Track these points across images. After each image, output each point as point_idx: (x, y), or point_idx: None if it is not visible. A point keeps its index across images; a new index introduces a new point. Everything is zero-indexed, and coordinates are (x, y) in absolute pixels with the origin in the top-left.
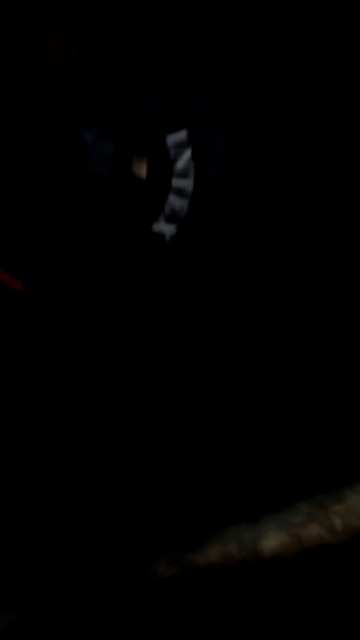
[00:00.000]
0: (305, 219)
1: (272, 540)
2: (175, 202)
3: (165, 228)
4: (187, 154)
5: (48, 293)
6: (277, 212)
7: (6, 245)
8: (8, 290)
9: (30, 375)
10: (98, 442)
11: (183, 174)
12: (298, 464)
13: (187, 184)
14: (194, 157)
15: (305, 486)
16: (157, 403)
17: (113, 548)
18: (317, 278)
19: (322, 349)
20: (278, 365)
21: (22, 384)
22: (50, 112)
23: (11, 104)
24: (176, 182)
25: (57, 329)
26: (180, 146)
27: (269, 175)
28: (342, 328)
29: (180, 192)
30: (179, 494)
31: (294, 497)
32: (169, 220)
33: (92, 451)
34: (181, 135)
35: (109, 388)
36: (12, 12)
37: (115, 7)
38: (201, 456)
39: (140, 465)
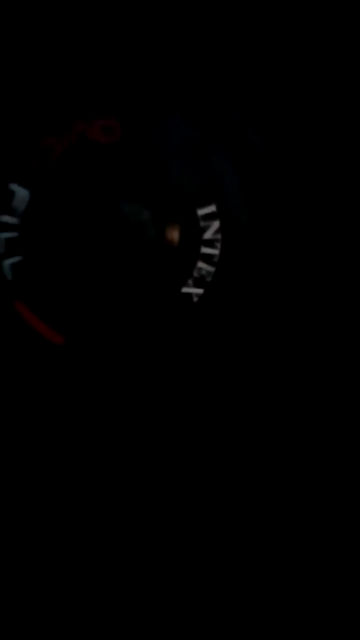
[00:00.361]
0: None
1: None
2: (203, 267)
3: (193, 290)
4: (215, 224)
5: (86, 347)
6: (302, 281)
7: (50, 303)
8: (49, 343)
9: (65, 422)
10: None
11: (211, 243)
12: None
13: (214, 251)
14: (221, 228)
15: None
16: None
17: None
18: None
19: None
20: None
21: (58, 431)
22: (96, 187)
23: (62, 179)
24: (205, 250)
25: (93, 381)
26: (209, 218)
27: (293, 245)
28: None
29: (208, 259)
30: None
31: None
32: (196, 283)
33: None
34: (210, 208)
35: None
36: (64, 97)
37: (154, 98)
38: None
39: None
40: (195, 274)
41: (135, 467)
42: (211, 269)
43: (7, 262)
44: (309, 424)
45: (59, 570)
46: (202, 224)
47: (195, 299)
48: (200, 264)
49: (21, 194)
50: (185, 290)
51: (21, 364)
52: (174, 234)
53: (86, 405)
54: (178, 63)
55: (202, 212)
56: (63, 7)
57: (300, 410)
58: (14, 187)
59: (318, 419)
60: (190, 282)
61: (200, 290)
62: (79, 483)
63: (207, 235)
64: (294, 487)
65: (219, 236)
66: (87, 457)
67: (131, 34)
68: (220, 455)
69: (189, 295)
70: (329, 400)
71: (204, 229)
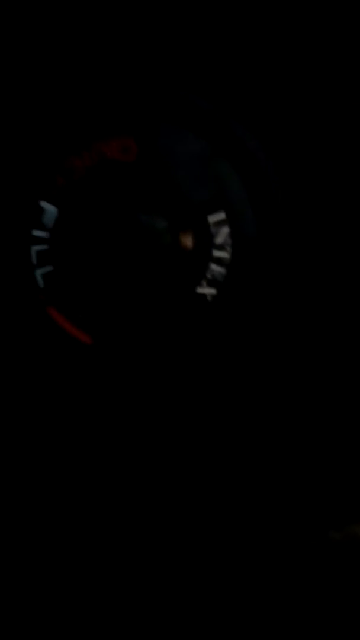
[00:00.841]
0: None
1: None
2: (215, 269)
3: (207, 290)
4: (225, 230)
5: (112, 344)
6: (308, 280)
7: (78, 306)
8: (79, 342)
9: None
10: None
11: (222, 247)
12: None
13: (225, 254)
14: (231, 232)
15: None
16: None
17: None
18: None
19: None
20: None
21: (88, 431)
22: (116, 201)
23: (86, 195)
24: (216, 253)
25: (118, 374)
26: (220, 224)
27: (299, 246)
28: None
29: (219, 261)
30: None
31: None
32: (210, 284)
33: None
34: (220, 215)
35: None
36: (84, 122)
37: (164, 118)
38: None
39: None
40: (209, 275)
41: (151, 463)
42: (223, 270)
43: (39, 271)
44: (316, 418)
45: (58, 570)
46: (213, 229)
47: (209, 299)
48: (213, 267)
49: (50, 210)
50: (200, 290)
51: (54, 361)
52: (188, 240)
53: (111, 395)
54: (184, 85)
55: (212, 219)
56: (83, 39)
57: (305, 403)
58: (44, 204)
59: (324, 413)
60: (204, 283)
61: (213, 290)
62: (104, 476)
63: (218, 240)
64: (298, 488)
65: (229, 240)
66: (108, 446)
67: (140, 63)
68: (232, 452)
69: (204, 295)
70: (333, 394)
71: (215, 234)
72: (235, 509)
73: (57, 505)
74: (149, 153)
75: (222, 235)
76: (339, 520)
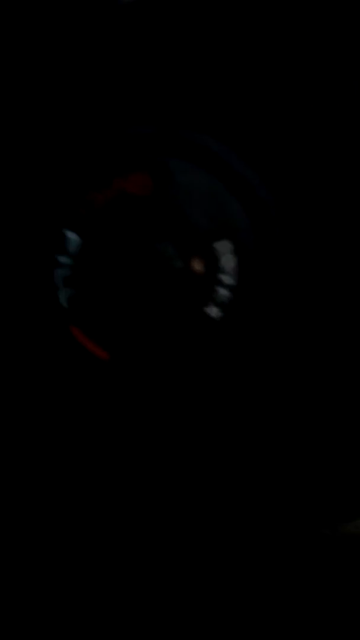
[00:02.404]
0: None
1: None
2: (222, 291)
3: (214, 311)
4: (230, 256)
5: (127, 360)
6: (312, 303)
7: (97, 325)
8: (97, 358)
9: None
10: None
11: (228, 271)
12: None
13: (230, 278)
14: (236, 258)
15: None
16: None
17: None
18: None
19: None
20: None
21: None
22: (134, 230)
23: (106, 225)
24: (223, 277)
25: (133, 387)
26: (225, 251)
27: (302, 271)
28: None
29: (226, 285)
30: None
31: None
32: (217, 305)
33: None
34: (225, 243)
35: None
36: (105, 161)
37: (176, 156)
38: None
39: None
40: (216, 298)
41: (156, 470)
42: (229, 293)
43: (63, 294)
44: (314, 422)
45: (59, 570)
46: (219, 255)
47: (216, 319)
48: (220, 290)
49: (73, 238)
50: (207, 311)
51: (74, 374)
52: (197, 265)
53: (126, 407)
54: (195, 126)
55: (218, 246)
56: (102, 86)
57: (308, 414)
58: (68, 233)
59: (322, 418)
60: (212, 304)
61: (220, 312)
62: (120, 485)
63: (224, 265)
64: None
65: (234, 265)
66: (123, 449)
67: (155, 110)
68: (238, 466)
69: (211, 316)
70: (339, 406)
71: (222, 260)
72: (231, 506)
73: (68, 512)
74: (163, 188)
75: (228, 260)
76: (331, 518)
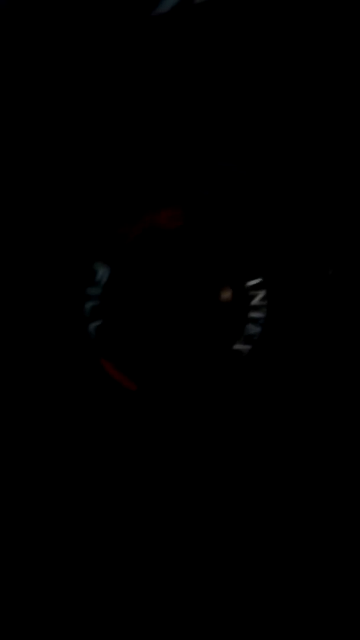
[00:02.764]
0: None
1: None
2: (251, 328)
3: (243, 347)
4: (261, 293)
5: (154, 391)
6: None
7: (125, 356)
8: (125, 389)
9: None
10: None
11: (258, 308)
12: None
13: (261, 315)
14: (267, 296)
15: None
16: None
17: None
18: None
19: None
20: None
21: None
22: (164, 263)
23: (136, 258)
24: (252, 314)
25: (160, 418)
26: (257, 288)
27: (332, 312)
28: None
29: (255, 321)
30: None
31: None
32: (246, 341)
33: None
34: (257, 280)
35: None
36: (137, 196)
37: (209, 189)
38: None
39: None
40: (245, 333)
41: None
42: (258, 329)
43: (92, 325)
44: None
45: (59, 570)
46: (250, 292)
47: (244, 354)
48: (249, 326)
49: (103, 270)
50: (236, 347)
51: (101, 404)
52: (227, 294)
53: (153, 438)
54: (226, 159)
55: (250, 283)
56: (128, 127)
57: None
58: (97, 265)
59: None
60: (241, 339)
61: (248, 347)
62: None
63: (255, 302)
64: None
65: (265, 303)
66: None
67: (186, 146)
68: (261, 498)
69: (240, 351)
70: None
71: (252, 297)
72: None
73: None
74: (194, 221)
75: (259, 298)
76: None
